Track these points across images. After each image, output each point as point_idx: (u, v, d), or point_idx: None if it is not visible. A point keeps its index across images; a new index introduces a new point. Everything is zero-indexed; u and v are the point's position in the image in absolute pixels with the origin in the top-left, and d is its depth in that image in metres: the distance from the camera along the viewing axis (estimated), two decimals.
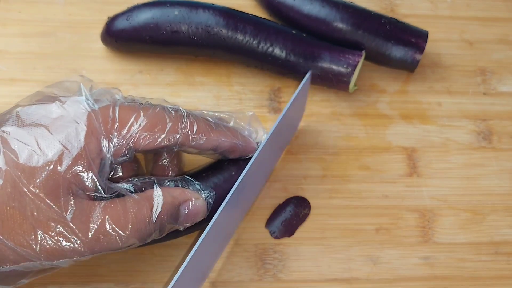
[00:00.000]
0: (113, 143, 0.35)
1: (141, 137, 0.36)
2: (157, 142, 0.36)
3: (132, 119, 0.36)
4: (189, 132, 0.38)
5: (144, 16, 0.47)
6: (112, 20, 0.48)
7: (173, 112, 0.38)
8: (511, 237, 0.47)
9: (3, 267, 0.32)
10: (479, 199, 0.48)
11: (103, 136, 0.35)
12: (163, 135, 0.37)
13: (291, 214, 0.46)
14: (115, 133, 0.35)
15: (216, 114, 0.41)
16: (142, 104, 0.37)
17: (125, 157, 0.36)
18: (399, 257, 0.46)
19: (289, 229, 0.46)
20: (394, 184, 0.48)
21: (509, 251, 0.47)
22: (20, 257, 0.32)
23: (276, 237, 0.45)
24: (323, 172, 0.48)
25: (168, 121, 0.37)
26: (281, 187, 0.47)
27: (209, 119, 0.40)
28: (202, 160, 0.44)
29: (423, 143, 0.50)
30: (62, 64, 0.50)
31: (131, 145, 0.36)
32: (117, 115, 0.36)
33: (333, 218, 0.47)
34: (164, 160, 0.41)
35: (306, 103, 0.49)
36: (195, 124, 0.38)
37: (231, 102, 0.50)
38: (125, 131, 0.35)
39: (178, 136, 0.37)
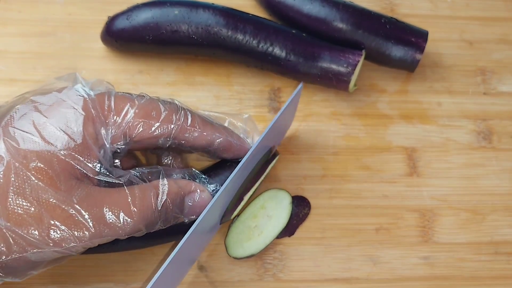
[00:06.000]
0: (109, 129, 0.35)
1: (135, 123, 0.36)
2: (151, 131, 0.37)
3: (127, 106, 0.36)
4: (184, 124, 0.38)
5: (144, 16, 0.47)
6: (112, 20, 0.48)
7: (168, 103, 0.38)
8: (511, 237, 0.47)
9: (12, 256, 0.31)
10: (479, 199, 0.48)
11: (100, 122, 0.35)
12: (157, 124, 0.37)
13: (291, 214, 0.46)
14: (111, 120, 0.36)
15: (211, 114, 0.41)
16: (136, 95, 0.38)
17: (123, 146, 0.36)
18: (399, 257, 0.46)
19: (289, 229, 0.46)
20: (394, 184, 0.48)
21: (509, 251, 0.47)
22: (29, 244, 0.32)
23: (276, 237, 0.45)
24: (323, 172, 0.48)
25: (162, 111, 0.37)
26: (281, 187, 0.47)
27: (204, 113, 0.40)
28: (205, 161, 0.44)
29: (423, 143, 0.50)
30: (62, 64, 0.50)
31: (127, 131, 0.36)
32: (112, 103, 0.36)
33: (333, 218, 0.47)
34: (167, 159, 0.41)
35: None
36: (190, 116, 0.38)
37: (231, 102, 0.50)
38: (120, 118, 0.36)
39: (172, 126, 0.37)
